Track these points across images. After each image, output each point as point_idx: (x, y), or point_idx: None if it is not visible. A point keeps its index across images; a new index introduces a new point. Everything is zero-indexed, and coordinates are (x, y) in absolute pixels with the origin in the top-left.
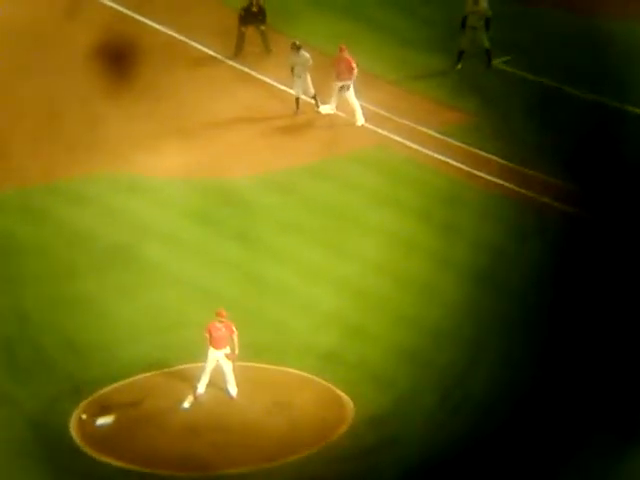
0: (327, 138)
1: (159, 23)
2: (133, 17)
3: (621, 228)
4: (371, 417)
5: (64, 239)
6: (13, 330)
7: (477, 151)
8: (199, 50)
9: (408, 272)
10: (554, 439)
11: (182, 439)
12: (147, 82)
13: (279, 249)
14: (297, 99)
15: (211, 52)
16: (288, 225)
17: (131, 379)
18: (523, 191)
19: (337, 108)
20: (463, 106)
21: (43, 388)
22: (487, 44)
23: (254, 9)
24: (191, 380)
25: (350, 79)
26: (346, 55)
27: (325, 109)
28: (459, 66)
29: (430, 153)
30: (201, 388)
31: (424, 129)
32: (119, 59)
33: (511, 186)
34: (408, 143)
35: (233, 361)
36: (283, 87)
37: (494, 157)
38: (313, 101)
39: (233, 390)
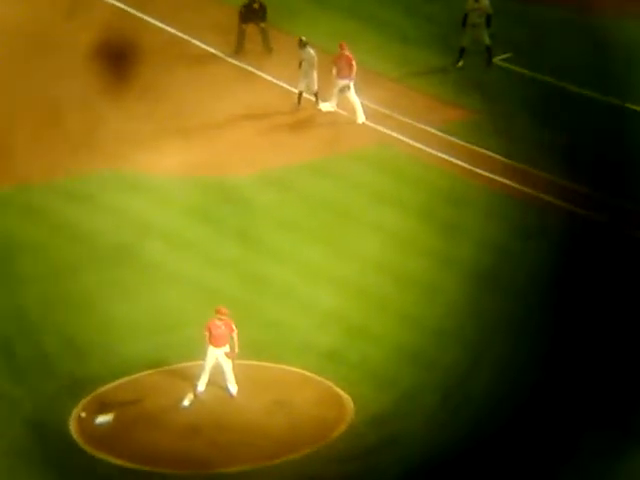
0: (328, 136)
1: (159, 21)
2: (133, 15)
3: (624, 227)
4: (372, 417)
5: (64, 238)
6: (13, 328)
7: (478, 149)
8: (200, 48)
9: (409, 271)
10: (555, 439)
11: (181, 437)
12: (147, 80)
13: (280, 247)
14: (300, 94)
15: (212, 50)
16: (289, 223)
17: (131, 377)
18: (525, 189)
19: (338, 106)
20: (464, 103)
21: (42, 386)
22: (488, 41)
23: (255, 6)
24: (191, 378)
25: (350, 76)
26: (346, 52)
27: (326, 107)
28: (460, 63)
29: (431, 151)
30: (201, 386)
31: (425, 127)
32: (119, 57)
33: (513, 184)
34: (409, 141)
35: (233, 359)
36: (284, 85)
37: (495, 154)
38: (314, 98)
39: (233, 388)
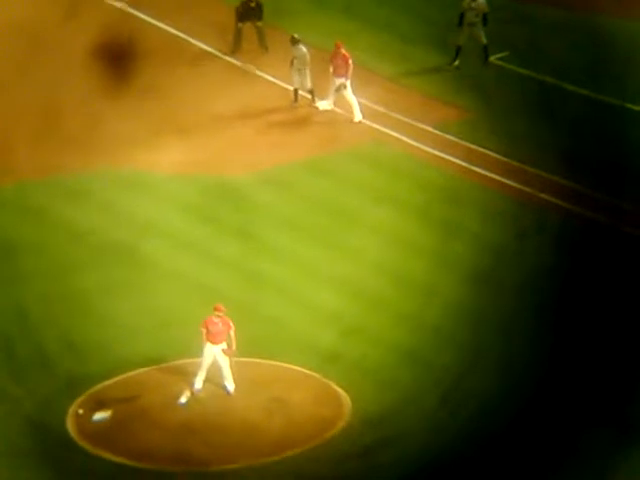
0: (325, 134)
1: (158, 20)
2: (132, 14)
3: (622, 226)
4: (369, 416)
5: (63, 236)
6: (11, 327)
7: (475, 147)
8: (197, 47)
9: (407, 270)
10: (555, 440)
11: (179, 435)
12: (146, 79)
13: (278, 246)
14: (295, 91)
15: (209, 49)
16: (287, 222)
17: (128, 374)
18: (522, 187)
19: (335, 104)
20: (461, 102)
21: (41, 384)
22: (484, 40)
23: (252, 4)
24: (188, 376)
25: (346, 75)
26: (342, 51)
27: (323, 105)
28: (457, 62)
29: (428, 149)
30: (198, 384)
31: (422, 125)
32: (118, 56)
33: (510, 182)
34: (406, 139)
35: (230, 356)
36: (282, 83)
37: (491, 153)
38: (309, 96)
39: (230, 386)
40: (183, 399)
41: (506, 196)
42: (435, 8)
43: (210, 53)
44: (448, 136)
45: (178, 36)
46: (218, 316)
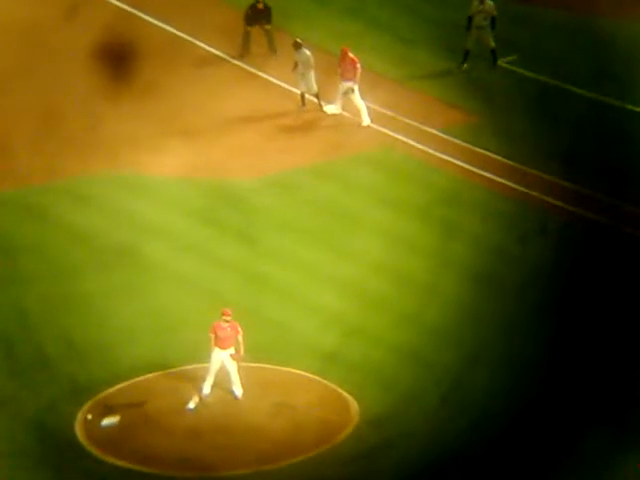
0: (332, 138)
1: (163, 22)
2: (137, 15)
3: (624, 227)
4: (373, 418)
5: (65, 239)
6: (14, 330)
7: (482, 151)
8: (203, 49)
9: (411, 272)
10: (554, 441)
11: (186, 440)
12: (150, 81)
13: (281, 249)
14: (302, 95)
15: (215, 51)
16: (291, 225)
17: (136, 380)
18: (526, 191)
19: (342, 108)
20: (468, 106)
21: (44, 388)
22: (492, 44)
23: (259, 6)
24: (196, 381)
25: (354, 79)
26: (350, 55)
27: (330, 109)
28: (465, 66)
29: (435, 153)
30: (206, 389)
31: (429, 129)
32: (122, 58)
33: (515, 186)
34: (414, 143)
35: (239, 361)
36: (288, 87)
37: (498, 157)
38: (316, 100)
39: (238, 391)
40: (191, 404)
41: (511, 199)
42: (443, 11)
43: (215, 55)
44: (456, 140)
45: (183, 38)
46: (226, 321)
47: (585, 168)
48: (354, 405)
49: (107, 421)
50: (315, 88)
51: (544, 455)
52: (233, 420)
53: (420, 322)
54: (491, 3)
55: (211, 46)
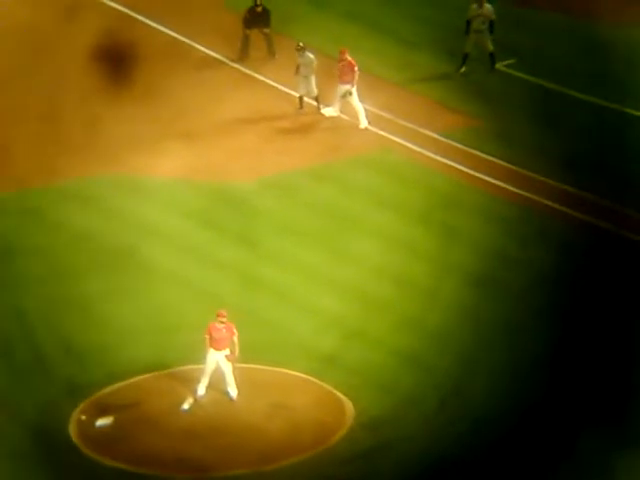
0: (330, 141)
1: (163, 25)
2: (136, 18)
3: (625, 231)
4: (370, 421)
5: (64, 240)
6: (12, 331)
7: (480, 154)
8: (202, 52)
9: (409, 274)
10: (554, 443)
11: (181, 441)
12: (150, 83)
13: (281, 252)
14: (301, 97)
15: (214, 54)
16: (290, 228)
17: (131, 380)
18: (527, 194)
19: (341, 111)
20: (467, 109)
21: (42, 389)
22: (491, 47)
23: (258, 10)
24: (191, 382)
25: (352, 81)
26: (348, 58)
27: (329, 112)
28: (463, 69)
29: (434, 156)
30: (201, 390)
31: (428, 132)
32: (122, 60)
33: (515, 190)
34: (412, 146)
35: (234, 362)
36: (287, 90)
37: (498, 160)
38: (315, 103)
39: (233, 392)
40: (186, 405)
41: (510, 203)
42: (441, 14)
43: (214, 58)
44: (454, 143)
45: (183, 41)
46: (221, 322)
47: (586, 172)
48: (350, 407)
49: (101, 421)
50: (315, 91)
51: (544, 460)
52: (228, 421)
53: (421, 326)
54: (489, 7)
55: (210, 49)
